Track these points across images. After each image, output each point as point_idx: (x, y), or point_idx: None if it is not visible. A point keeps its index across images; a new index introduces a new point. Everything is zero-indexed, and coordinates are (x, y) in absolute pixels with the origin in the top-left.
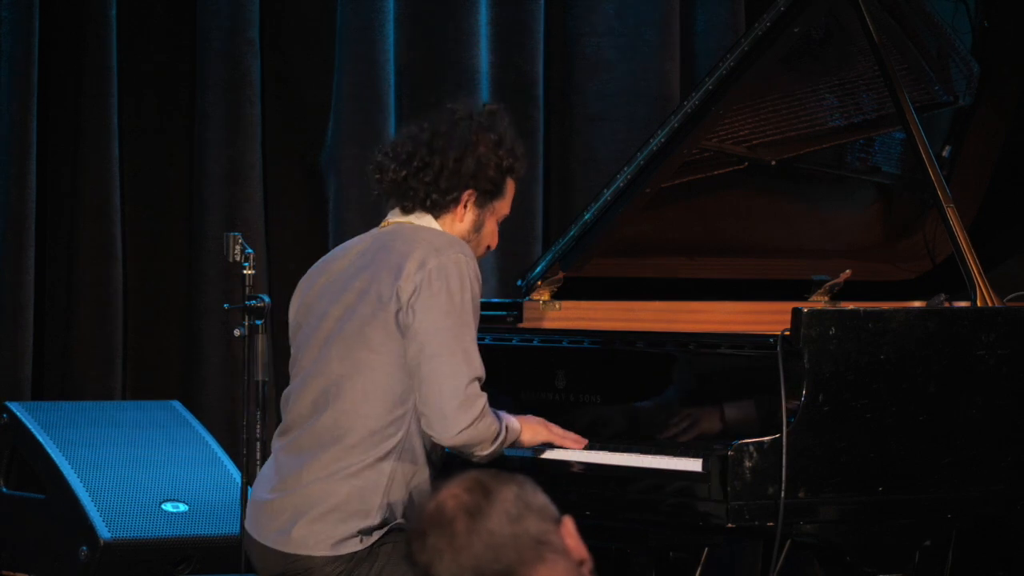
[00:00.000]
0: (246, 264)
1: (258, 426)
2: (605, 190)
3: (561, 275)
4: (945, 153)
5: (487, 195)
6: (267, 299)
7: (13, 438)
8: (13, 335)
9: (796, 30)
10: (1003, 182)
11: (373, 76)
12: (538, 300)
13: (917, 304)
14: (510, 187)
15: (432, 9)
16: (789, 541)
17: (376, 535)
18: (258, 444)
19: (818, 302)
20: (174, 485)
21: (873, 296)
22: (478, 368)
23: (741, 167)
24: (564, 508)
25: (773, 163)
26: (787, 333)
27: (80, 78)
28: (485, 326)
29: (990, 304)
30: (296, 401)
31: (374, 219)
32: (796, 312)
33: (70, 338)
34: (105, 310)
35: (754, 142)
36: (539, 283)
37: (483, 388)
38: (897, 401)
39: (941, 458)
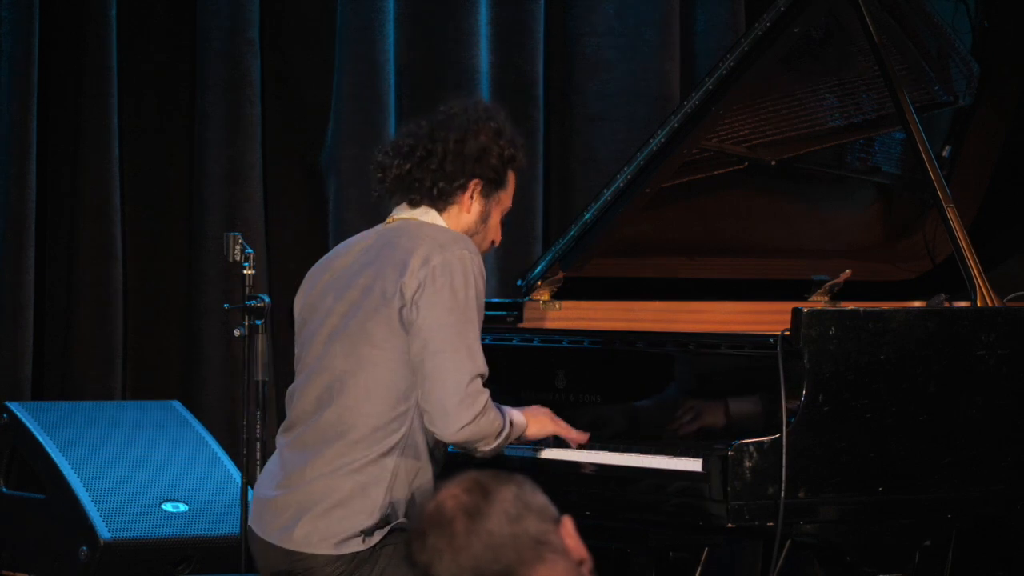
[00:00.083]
0: (246, 264)
1: (258, 426)
2: (605, 190)
3: (561, 275)
4: (945, 153)
5: (492, 184)
6: (267, 299)
7: (13, 438)
8: (13, 335)
9: (796, 30)
10: (1003, 182)
11: (373, 76)
12: (538, 300)
13: (917, 304)
14: (512, 178)
15: (432, 9)
16: (789, 541)
17: (378, 535)
18: (258, 444)
19: (818, 302)
20: (174, 485)
21: (873, 296)
22: (481, 365)
23: (741, 167)
24: (564, 508)
25: (773, 163)
26: (787, 333)
27: (80, 78)
28: (485, 326)
29: (990, 304)
30: (300, 397)
31: (374, 219)
32: (796, 312)
33: (70, 338)
34: (105, 310)
35: (754, 142)
36: (539, 283)
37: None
38: (897, 401)
39: (941, 458)
